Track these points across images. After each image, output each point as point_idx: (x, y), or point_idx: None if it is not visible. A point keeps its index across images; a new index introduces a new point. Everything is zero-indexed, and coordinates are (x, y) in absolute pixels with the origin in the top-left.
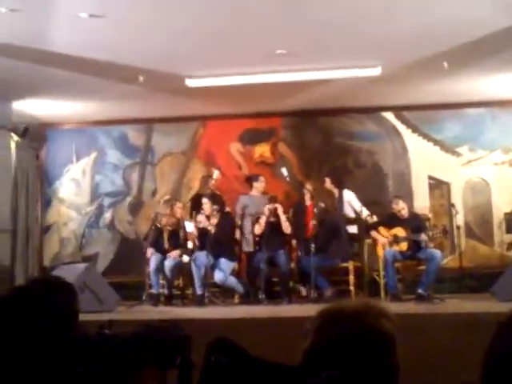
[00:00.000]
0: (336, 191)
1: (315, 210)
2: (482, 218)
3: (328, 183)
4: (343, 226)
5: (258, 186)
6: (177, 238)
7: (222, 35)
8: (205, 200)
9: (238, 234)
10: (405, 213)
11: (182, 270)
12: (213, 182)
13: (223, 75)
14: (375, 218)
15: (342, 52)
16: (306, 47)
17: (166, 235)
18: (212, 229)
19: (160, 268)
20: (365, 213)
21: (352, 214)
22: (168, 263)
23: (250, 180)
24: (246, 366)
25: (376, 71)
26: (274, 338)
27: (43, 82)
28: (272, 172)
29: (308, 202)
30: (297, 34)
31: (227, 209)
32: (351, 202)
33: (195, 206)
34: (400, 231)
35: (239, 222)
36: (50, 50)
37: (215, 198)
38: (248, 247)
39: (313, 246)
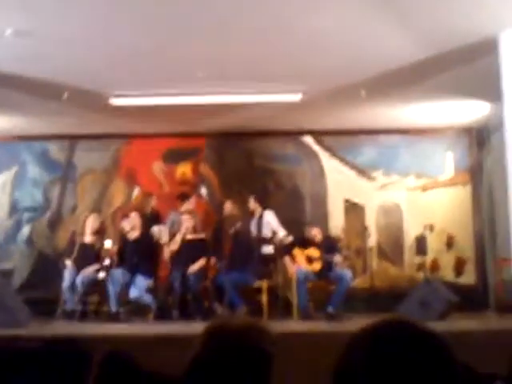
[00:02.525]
0: (259, 210)
1: (231, 230)
2: (393, 241)
3: (252, 202)
4: (257, 245)
5: (189, 204)
6: (94, 254)
7: (147, 56)
8: (133, 214)
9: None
10: (315, 233)
11: (97, 286)
12: (132, 199)
13: (147, 95)
14: (291, 239)
15: (264, 77)
16: (229, 71)
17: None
18: (131, 241)
19: (74, 284)
20: (281, 233)
21: (270, 234)
22: (81, 279)
23: (181, 198)
24: (133, 379)
25: (296, 97)
26: (181, 354)
27: None
28: (193, 191)
29: (226, 221)
30: (221, 58)
31: (159, 227)
32: (270, 223)
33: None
34: (314, 252)
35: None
36: None
37: (152, 216)
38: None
39: (227, 263)
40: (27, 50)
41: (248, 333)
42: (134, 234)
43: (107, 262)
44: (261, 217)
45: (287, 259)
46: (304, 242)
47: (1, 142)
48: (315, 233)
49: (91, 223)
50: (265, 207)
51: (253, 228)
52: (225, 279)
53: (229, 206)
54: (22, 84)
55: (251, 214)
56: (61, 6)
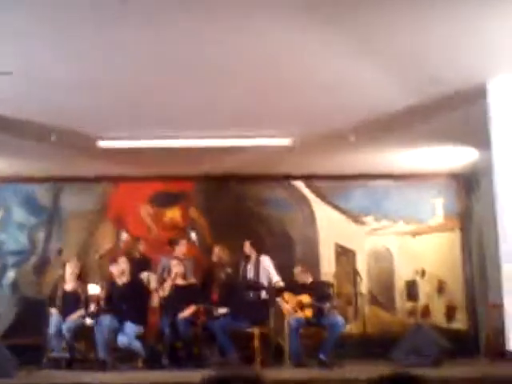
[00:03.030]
0: (254, 255)
1: (222, 275)
2: (384, 286)
3: (247, 247)
4: (250, 290)
5: (180, 249)
6: (78, 300)
7: (135, 99)
8: (122, 259)
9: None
10: (306, 279)
11: (84, 332)
12: (121, 244)
13: (135, 138)
14: (282, 284)
15: (254, 121)
16: (218, 114)
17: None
18: (120, 287)
19: (61, 330)
20: (275, 279)
21: (265, 280)
22: (67, 325)
23: (171, 243)
24: None
25: (286, 141)
26: None
27: None
28: (182, 236)
29: (216, 266)
30: (210, 102)
31: (146, 274)
32: (267, 268)
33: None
34: (305, 298)
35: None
36: None
37: (140, 261)
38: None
39: (219, 309)
40: (14, 91)
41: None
42: (122, 280)
43: (93, 307)
44: (257, 262)
45: (280, 303)
46: (295, 287)
47: None
48: (305, 276)
49: (71, 269)
50: (260, 252)
51: (249, 273)
52: (216, 325)
53: (218, 251)
54: (9, 125)
55: (245, 258)
56: (50, 48)
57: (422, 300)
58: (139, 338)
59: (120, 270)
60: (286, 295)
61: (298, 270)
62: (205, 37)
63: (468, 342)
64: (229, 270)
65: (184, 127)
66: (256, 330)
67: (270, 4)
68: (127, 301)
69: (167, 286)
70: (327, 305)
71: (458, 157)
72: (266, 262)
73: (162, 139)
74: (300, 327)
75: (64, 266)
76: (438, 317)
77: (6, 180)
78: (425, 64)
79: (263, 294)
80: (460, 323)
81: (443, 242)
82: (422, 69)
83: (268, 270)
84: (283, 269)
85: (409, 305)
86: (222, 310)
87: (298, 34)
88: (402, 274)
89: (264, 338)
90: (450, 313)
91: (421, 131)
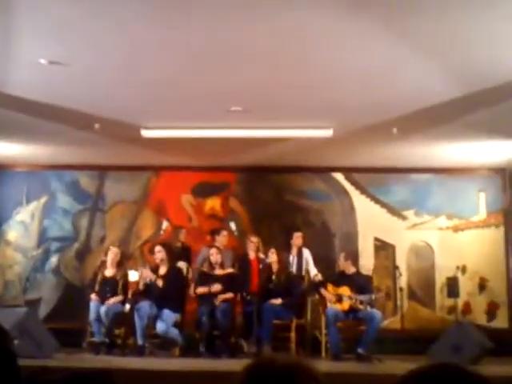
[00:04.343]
0: (296, 247)
1: (260, 266)
2: (424, 282)
3: (298, 238)
4: (298, 283)
5: (221, 239)
6: (118, 286)
7: (179, 89)
8: (158, 248)
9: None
10: (348, 269)
11: (122, 318)
12: (161, 232)
13: (178, 128)
14: (320, 277)
15: (296, 113)
16: (260, 106)
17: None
18: (159, 279)
19: (100, 316)
20: (313, 271)
21: (303, 272)
22: (105, 311)
23: (212, 233)
24: None
25: (328, 133)
26: None
27: None
28: (222, 226)
29: (252, 255)
30: (253, 93)
31: (184, 263)
32: (307, 260)
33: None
34: (345, 290)
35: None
36: (6, 92)
37: (180, 250)
38: None
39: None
40: (60, 80)
41: (294, 374)
42: (161, 268)
43: (132, 294)
44: (299, 253)
45: (321, 295)
46: (336, 279)
47: (31, 171)
48: (348, 266)
49: (112, 256)
50: (302, 244)
51: (291, 264)
52: (268, 309)
53: (253, 239)
54: (54, 113)
55: (286, 249)
56: (94, 38)
57: (463, 297)
58: (177, 325)
59: (159, 258)
60: (328, 286)
61: (342, 257)
62: (244, 26)
63: (509, 341)
64: (266, 260)
65: (225, 117)
66: (293, 322)
67: None
68: (166, 289)
69: (205, 275)
70: (368, 299)
71: (503, 151)
72: (307, 254)
73: (203, 129)
74: (337, 320)
75: (105, 252)
76: (479, 315)
77: (51, 167)
78: (469, 56)
79: (303, 286)
80: (501, 321)
81: (486, 238)
82: (467, 61)
83: (308, 262)
84: (321, 260)
85: (449, 301)
86: (277, 301)
87: (340, 24)
88: (443, 270)
89: (301, 330)
90: (492, 311)
91: (464, 124)
